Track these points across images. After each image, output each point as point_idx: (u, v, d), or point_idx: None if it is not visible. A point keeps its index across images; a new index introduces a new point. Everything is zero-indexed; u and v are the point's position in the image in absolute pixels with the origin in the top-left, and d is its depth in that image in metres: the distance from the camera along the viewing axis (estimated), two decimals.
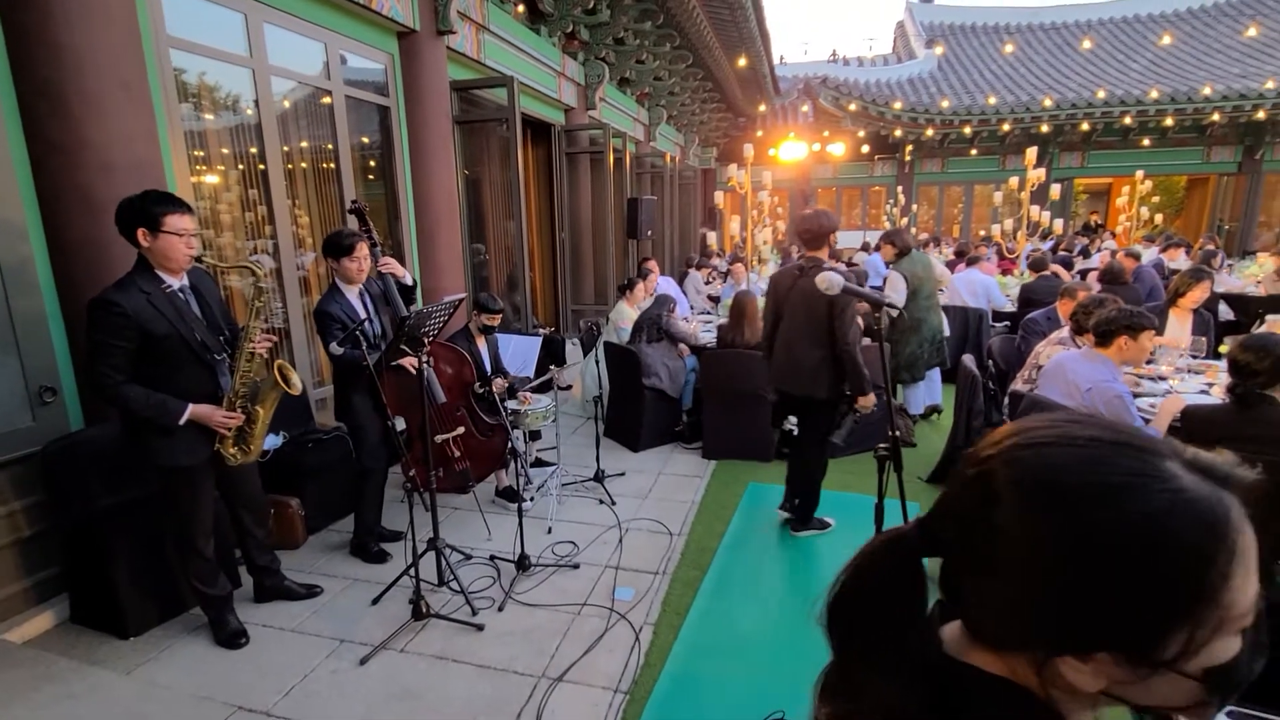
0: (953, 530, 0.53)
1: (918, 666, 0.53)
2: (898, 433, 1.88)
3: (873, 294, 1.88)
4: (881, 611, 0.54)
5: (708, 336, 5.24)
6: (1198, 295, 3.89)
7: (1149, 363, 3.55)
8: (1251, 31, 14.19)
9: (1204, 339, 3.74)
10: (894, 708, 0.52)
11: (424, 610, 2.65)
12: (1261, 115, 13.10)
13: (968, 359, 3.63)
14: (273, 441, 3.45)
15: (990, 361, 3.91)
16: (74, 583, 2.67)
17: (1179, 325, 3.94)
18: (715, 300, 7.49)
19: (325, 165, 4.35)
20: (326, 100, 4.27)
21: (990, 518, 0.49)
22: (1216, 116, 13.29)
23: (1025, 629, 0.50)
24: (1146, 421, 2.59)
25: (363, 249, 3.01)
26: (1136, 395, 2.98)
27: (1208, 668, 0.46)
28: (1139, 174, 10.05)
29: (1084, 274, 7.22)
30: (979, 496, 0.50)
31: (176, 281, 2.34)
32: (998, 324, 5.96)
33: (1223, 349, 2.91)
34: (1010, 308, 6.29)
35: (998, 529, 0.49)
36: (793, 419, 4.56)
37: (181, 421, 2.29)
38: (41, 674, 2.31)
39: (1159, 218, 12.27)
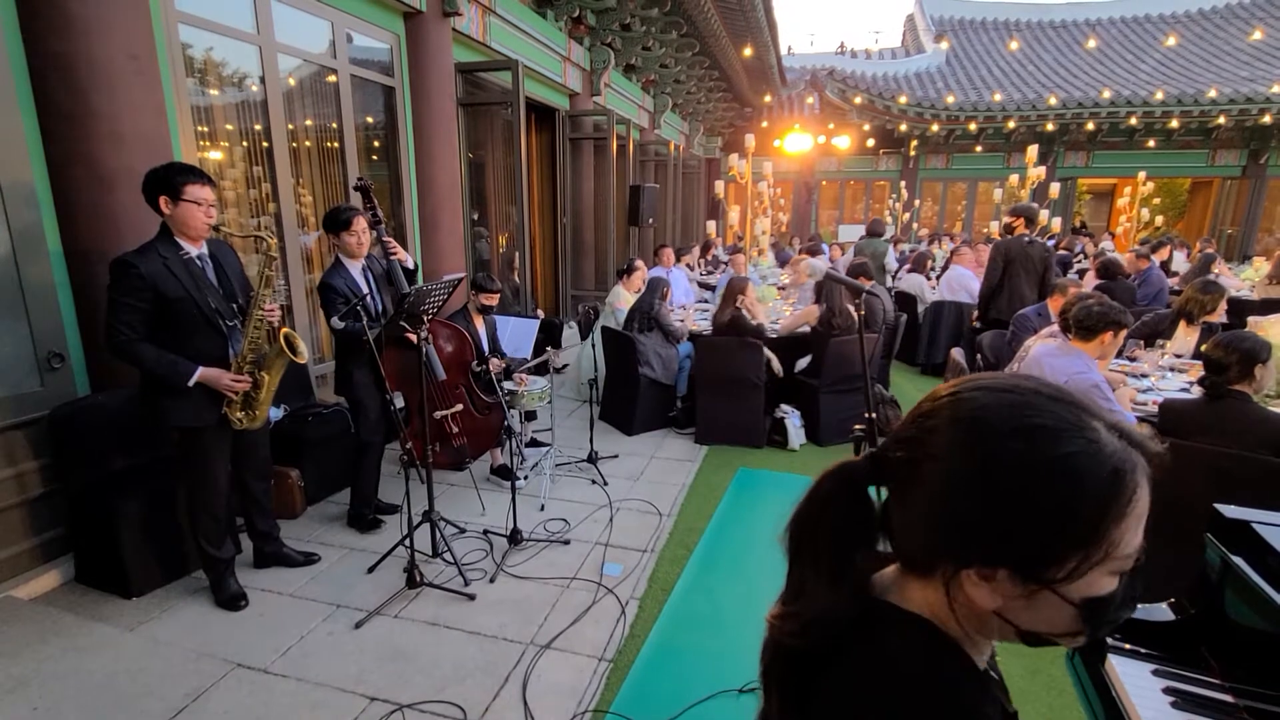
0: (897, 454, 0.59)
1: (853, 584, 0.60)
2: (873, 415, 1.96)
3: (853, 281, 1.94)
4: (832, 526, 0.61)
5: (704, 323, 5.31)
6: (1223, 308, 3.68)
7: (1132, 360, 3.62)
8: (1257, 35, 14.10)
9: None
10: (823, 611, 0.59)
11: (418, 579, 2.74)
12: (1268, 119, 13.07)
13: (957, 352, 3.69)
14: (273, 414, 3.53)
15: (979, 355, 3.98)
16: (79, 543, 2.75)
17: (1185, 340, 3.77)
18: (711, 289, 7.53)
19: (330, 144, 4.39)
20: (332, 79, 4.31)
21: (928, 444, 0.56)
22: (1222, 120, 13.26)
23: (940, 542, 0.56)
24: None
25: (360, 223, 3.08)
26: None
27: (1086, 597, 0.53)
28: (1141, 175, 10.07)
29: (1081, 274, 7.28)
30: (924, 426, 0.57)
31: (195, 249, 2.44)
32: None
33: (1203, 349, 2.98)
34: None
35: (931, 455, 0.55)
36: (785, 407, 4.65)
37: (191, 383, 2.39)
38: (49, 628, 2.41)
39: (1159, 219, 12.27)
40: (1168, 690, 1.02)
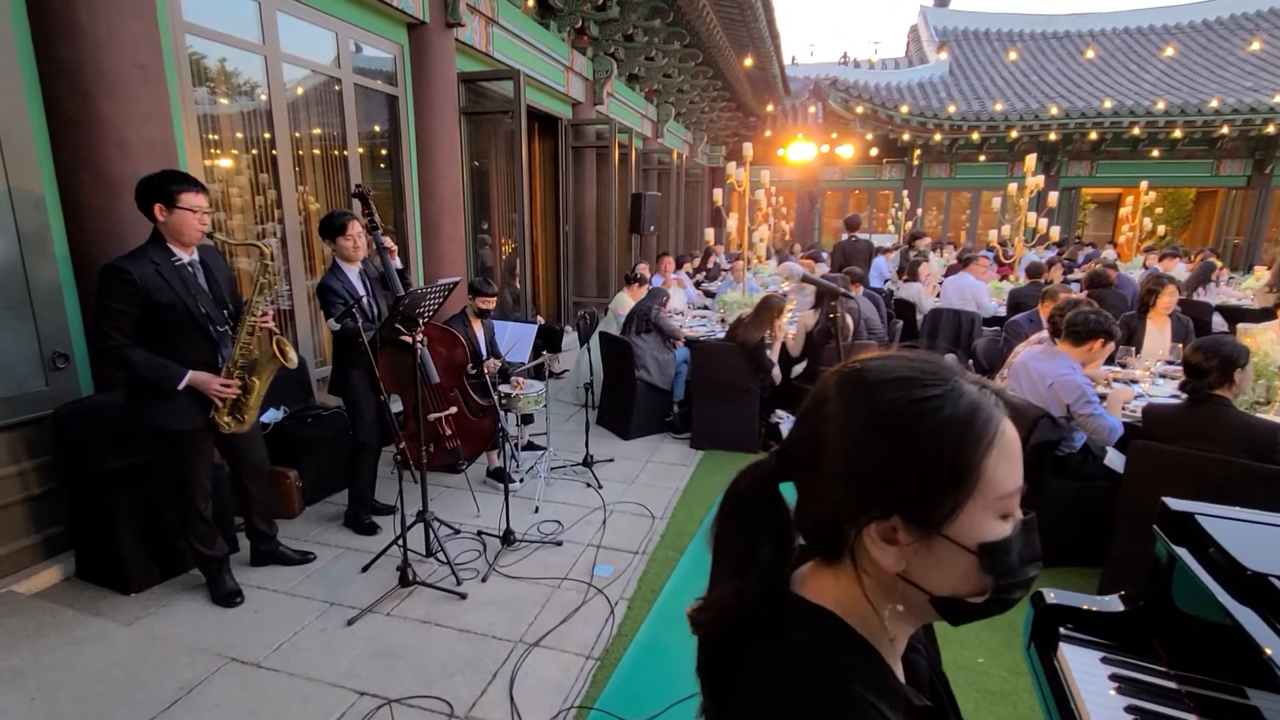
0: (797, 436, 0.63)
1: (764, 576, 0.63)
2: None
3: (825, 283, 1.97)
4: (743, 523, 0.65)
5: (701, 330, 5.35)
6: (1167, 301, 3.95)
7: (1123, 367, 3.64)
8: (1255, 45, 14.11)
9: (1181, 346, 3.81)
10: (730, 600, 0.64)
11: (410, 578, 2.77)
12: (1271, 129, 13.05)
13: (949, 359, 3.71)
14: (273, 415, 3.59)
15: (972, 361, 4.01)
16: (80, 540, 2.81)
17: (1158, 332, 3.98)
18: (711, 295, 7.58)
19: (334, 152, 4.47)
20: (336, 88, 4.39)
21: (821, 413, 0.61)
22: (1226, 130, 13.26)
23: (840, 501, 0.59)
24: None
25: (355, 228, 3.14)
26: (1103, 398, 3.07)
27: (980, 543, 0.56)
28: (1143, 185, 10.08)
29: (1080, 283, 7.30)
30: (816, 403, 0.62)
31: (186, 255, 2.48)
32: (988, 328, 6.04)
33: (1184, 354, 3.02)
34: (999, 312, 6.36)
35: (826, 419, 0.60)
36: (780, 412, 4.68)
37: (180, 386, 2.43)
38: (48, 622, 2.46)
39: (1162, 229, 12.26)
40: (1113, 676, 1.05)
